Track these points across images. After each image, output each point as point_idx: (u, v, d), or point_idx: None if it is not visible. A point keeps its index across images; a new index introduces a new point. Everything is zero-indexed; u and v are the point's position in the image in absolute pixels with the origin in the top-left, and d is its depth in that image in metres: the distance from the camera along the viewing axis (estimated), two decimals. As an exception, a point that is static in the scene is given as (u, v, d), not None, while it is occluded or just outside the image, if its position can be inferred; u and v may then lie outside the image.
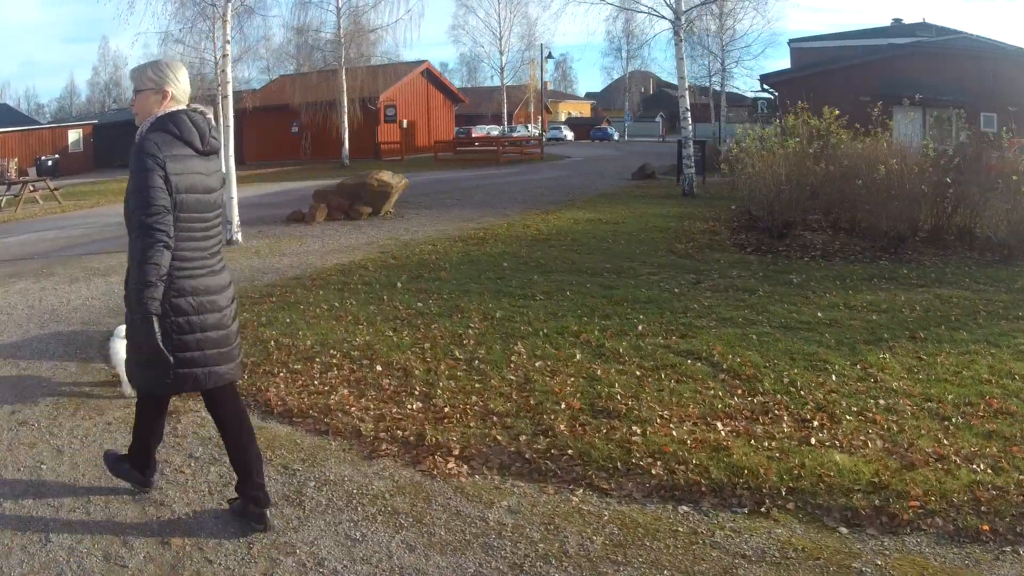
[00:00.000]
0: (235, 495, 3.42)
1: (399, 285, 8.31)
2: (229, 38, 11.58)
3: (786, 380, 5.02)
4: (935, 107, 23.65)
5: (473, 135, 44.10)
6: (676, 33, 18.22)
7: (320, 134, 32.61)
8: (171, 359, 2.95)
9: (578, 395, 4.84)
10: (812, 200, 11.74)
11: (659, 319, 6.66)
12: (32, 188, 21.23)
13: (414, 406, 4.84)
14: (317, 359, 5.75)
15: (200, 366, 3.09)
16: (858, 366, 5.32)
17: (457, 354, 5.86)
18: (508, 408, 4.71)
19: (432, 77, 36.62)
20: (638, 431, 4.26)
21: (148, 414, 3.46)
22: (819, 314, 6.71)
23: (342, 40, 29.37)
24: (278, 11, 66.55)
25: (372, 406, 4.86)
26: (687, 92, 18.12)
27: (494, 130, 51.88)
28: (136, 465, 3.59)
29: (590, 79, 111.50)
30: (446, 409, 4.74)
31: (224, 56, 11.64)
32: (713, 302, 7.28)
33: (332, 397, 4.98)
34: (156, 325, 2.86)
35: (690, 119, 18.20)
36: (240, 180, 25.77)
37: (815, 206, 11.96)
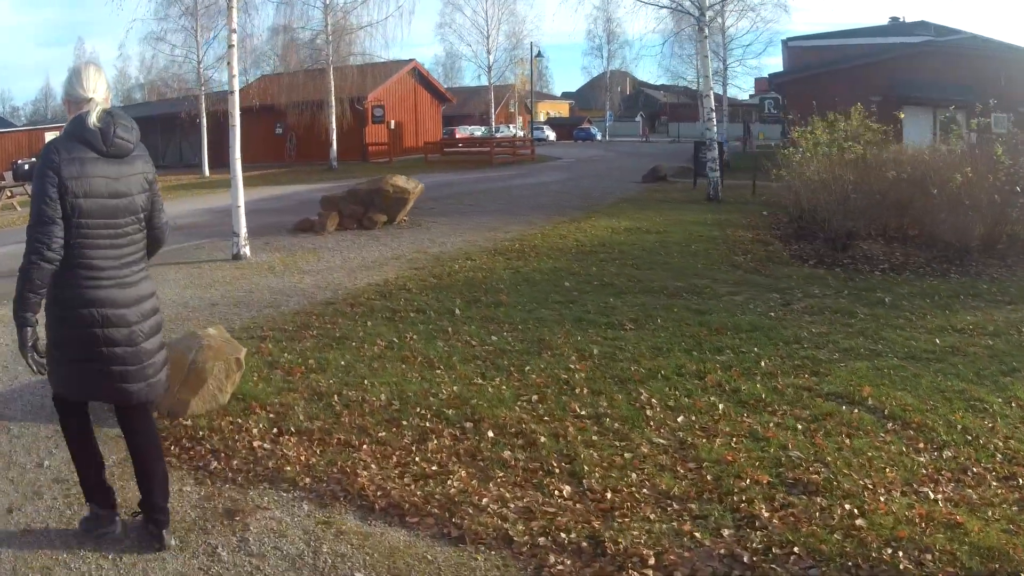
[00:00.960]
0: (137, 509, 3.27)
1: (458, 312, 7.07)
2: (235, 27, 10.23)
3: (959, 427, 4.39)
4: (945, 108, 23.05)
5: (457, 136, 42.82)
6: (700, 29, 17.24)
7: (306, 135, 31.11)
8: (44, 370, 2.90)
9: (756, 463, 3.94)
10: (879, 209, 10.77)
11: (776, 352, 5.86)
12: (9, 194, 19.59)
13: (563, 491, 3.68)
14: (404, 421, 4.51)
15: (105, 379, 2.94)
16: (1012, 404, 4.76)
17: (577, 409, 4.71)
18: (684, 488, 3.70)
19: (420, 76, 35.22)
20: (854, 510, 3.46)
21: (70, 431, 3.18)
22: (936, 340, 6.07)
23: (329, 38, 27.91)
24: (262, 9, 64.12)
25: (508, 494, 3.65)
26: (711, 92, 17.09)
27: (478, 131, 50.66)
28: (90, 498, 3.27)
29: (565, 79, 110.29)
30: (607, 495, 3.62)
31: (230, 47, 10.30)
32: (820, 328, 6.50)
33: (448, 482, 3.75)
34: (28, 335, 2.81)
35: (715, 119, 17.17)
36: (224, 185, 24.31)
37: (880, 215, 10.98)
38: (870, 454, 4.03)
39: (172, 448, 4.20)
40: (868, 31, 32.82)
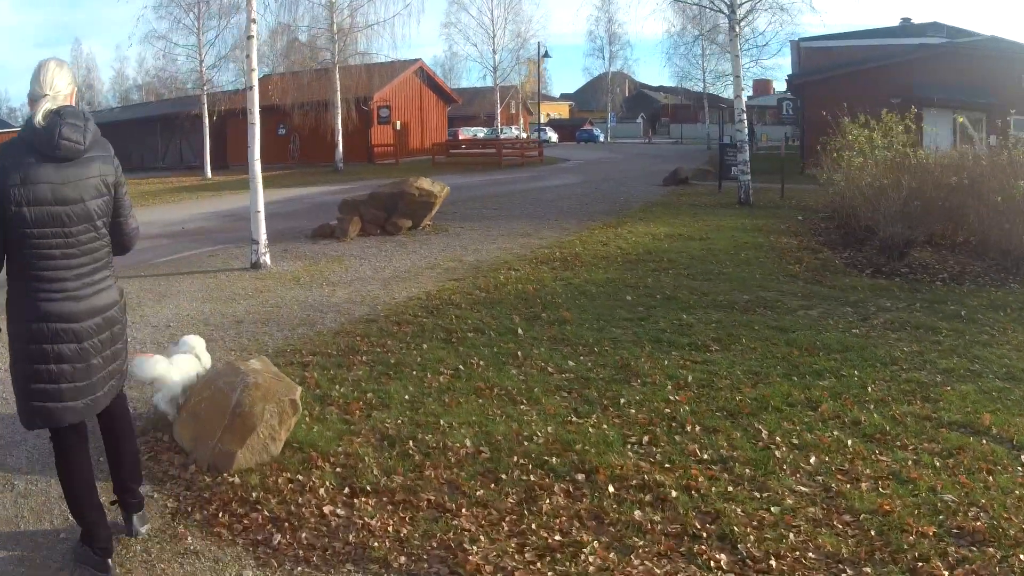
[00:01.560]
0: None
1: (520, 332, 6.26)
2: (255, 16, 9.37)
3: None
4: (964, 110, 22.40)
5: (460, 137, 41.98)
6: (732, 28, 16.47)
7: (310, 137, 30.22)
8: None
9: (914, 512, 3.40)
10: (931, 216, 10.06)
11: (877, 375, 5.25)
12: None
13: (719, 561, 2.99)
14: (502, 475, 3.70)
15: (54, 400, 2.73)
16: None
17: (697, 452, 4.01)
18: (851, 549, 3.12)
19: (425, 76, 34.33)
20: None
21: (58, 459, 2.94)
22: (1032, 358, 5.50)
23: (335, 36, 27.07)
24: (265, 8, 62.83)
25: (657, 568, 2.94)
26: (742, 92, 16.32)
27: (480, 132, 49.86)
28: (84, 539, 2.98)
29: (563, 81, 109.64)
30: (771, 562, 2.97)
31: (249, 38, 9.44)
32: (911, 347, 5.92)
33: (582, 557, 3.00)
34: None
35: (746, 120, 16.40)
36: (228, 187, 23.50)
37: (930, 222, 10.26)
38: (1018, 492, 3.59)
39: (220, 515, 3.38)
40: (880, 32, 32.14)
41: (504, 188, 19.40)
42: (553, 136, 56.75)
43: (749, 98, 63.22)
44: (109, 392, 2.94)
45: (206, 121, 27.28)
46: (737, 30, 16.48)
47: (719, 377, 5.14)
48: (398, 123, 31.87)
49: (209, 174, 27.81)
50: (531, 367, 5.35)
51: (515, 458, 3.85)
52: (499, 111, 39.81)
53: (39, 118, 2.62)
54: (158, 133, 35.52)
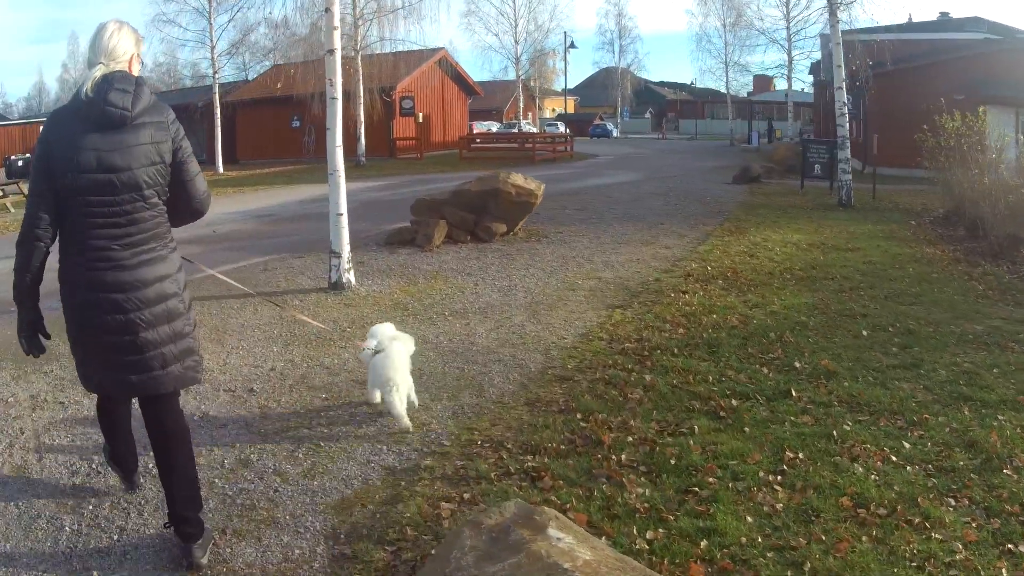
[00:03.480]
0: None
1: (794, 394, 4.05)
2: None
3: None
4: (1028, 107, 20.50)
5: (475, 131, 39.52)
6: (832, 13, 14.20)
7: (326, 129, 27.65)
8: (35, 352, 2.59)
9: None
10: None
11: None
12: (1, 193, 16.21)
13: None
14: None
15: (104, 370, 2.59)
16: None
17: None
18: None
19: (448, 67, 31.76)
20: None
21: (99, 410, 2.98)
22: None
23: (358, 20, 24.58)
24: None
25: None
26: (843, 85, 14.02)
27: (493, 126, 47.53)
28: (113, 459, 3.11)
29: (570, 75, 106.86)
30: None
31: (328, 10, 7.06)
32: None
33: None
34: (22, 318, 2.55)
35: (847, 116, 14.10)
36: (248, 183, 20.96)
37: None
38: None
39: None
40: (919, 27, 30.00)
41: (563, 186, 17.02)
42: (563, 129, 54.35)
43: (749, 94, 61.08)
44: (172, 376, 2.64)
45: (217, 112, 24.69)
46: (838, 17, 14.22)
47: None
48: (420, 115, 29.39)
49: (221, 169, 25.27)
50: (866, 458, 3.31)
51: None
52: (521, 104, 37.39)
53: (88, 86, 2.45)
54: (162, 126, 32.77)
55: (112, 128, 2.44)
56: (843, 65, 14.18)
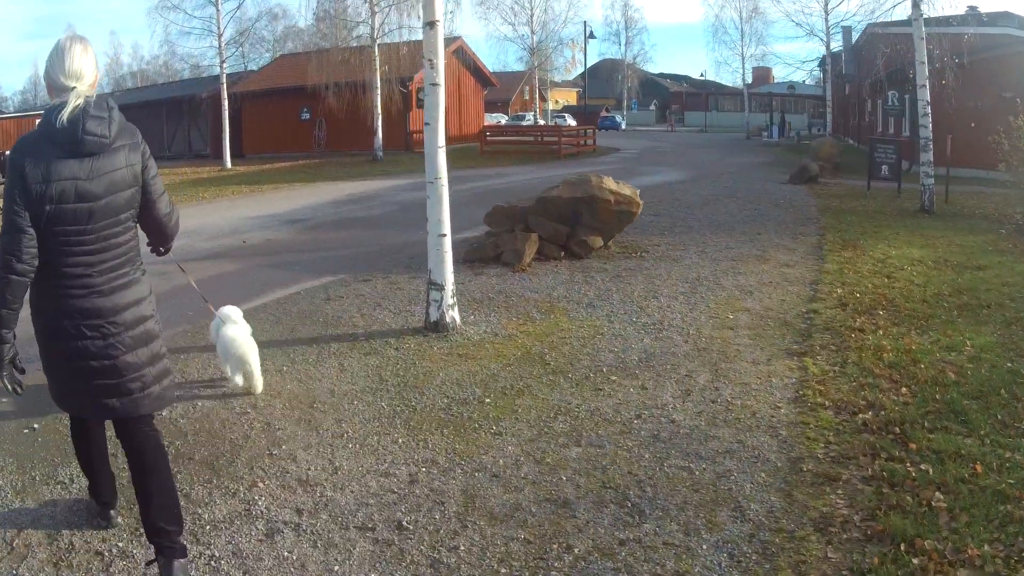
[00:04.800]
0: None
1: None
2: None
3: None
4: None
5: (485, 124, 37.84)
6: (916, 6, 12.60)
7: (338, 122, 25.93)
8: (15, 391, 2.45)
9: None
10: None
11: None
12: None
13: None
14: None
15: (83, 394, 2.51)
16: None
17: None
18: None
19: (464, 57, 29.99)
20: None
21: (74, 437, 2.85)
22: None
23: (375, 7, 22.81)
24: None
25: None
26: (926, 82, 12.41)
27: (502, 119, 45.93)
28: (90, 490, 2.97)
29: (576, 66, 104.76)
30: None
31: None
32: None
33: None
34: (3, 352, 2.37)
35: (929, 113, 12.49)
36: (261, 180, 19.14)
37: None
38: None
39: None
40: (945, 21, 28.35)
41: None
42: (572, 122, 52.71)
43: (748, 85, 59.41)
44: (152, 398, 2.59)
45: (225, 104, 22.88)
46: (922, 9, 12.63)
47: None
48: (436, 107, 27.60)
49: (228, 163, 23.50)
50: None
51: None
52: (538, 96, 35.65)
53: (64, 117, 2.29)
54: (163, 119, 30.86)
55: (91, 155, 2.35)
56: (926, 62, 12.56)
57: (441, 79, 5.32)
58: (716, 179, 16.92)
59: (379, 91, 23.28)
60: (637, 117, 61.21)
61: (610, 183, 8.04)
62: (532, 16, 32.70)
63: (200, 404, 4.21)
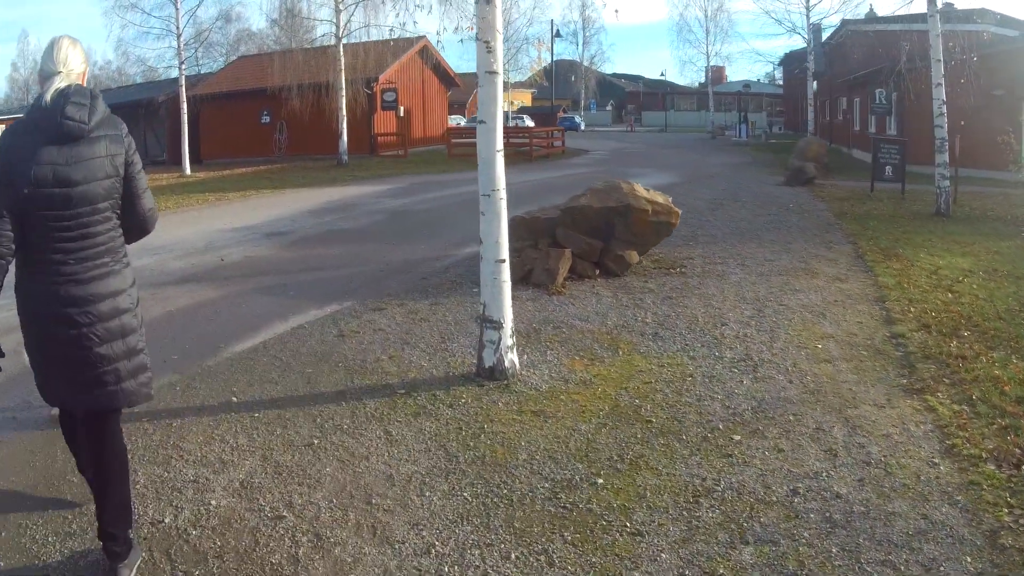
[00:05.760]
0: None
1: None
2: None
3: None
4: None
5: (448, 126, 36.65)
6: (931, 1, 11.97)
7: (300, 125, 24.49)
8: None
9: None
10: None
11: None
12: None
13: None
14: None
15: (59, 383, 2.50)
16: None
17: None
18: None
19: (429, 57, 28.70)
20: None
21: (61, 423, 2.83)
22: None
23: (341, 5, 21.48)
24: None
25: None
26: (942, 81, 11.80)
27: (460, 120, 44.85)
28: (79, 468, 2.92)
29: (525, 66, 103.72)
30: None
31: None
32: None
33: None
34: None
35: (945, 113, 11.88)
36: (224, 187, 17.57)
37: None
38: None
39: None
40: (922, 17, 28.23)
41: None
42: (530, 123, 51.82)
43: (700, 84, 59.28)
44: (126, 392, 2.54)
45: (184, 107, 21.21)
46: (936, 4, 12.02)
47: None
48: (402, 109, 26.38)
49: (188, 170, 21.87)
50: None
51: None
52: (501, 98, 34.50)
53: (47, 97, 2.36)
54: (113, 122, 28.80)
55: (69, 141, 2.36)
56: (942, 59, 11.95)
57: (500, 65, 4.30)
58: (708, 182, 16.18)
59: (344, 92, 21.96)
60: (595, 118, 60.67)
61: (642, 190, 7.10)
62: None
63: (213, 503, 3.10)
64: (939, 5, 11.75)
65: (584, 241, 6.78)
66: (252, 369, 4.70)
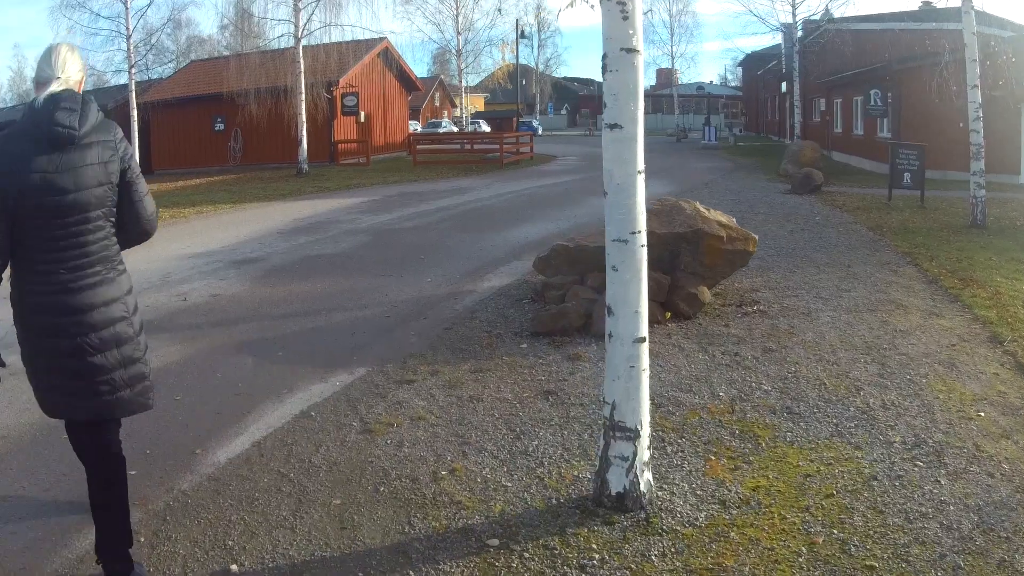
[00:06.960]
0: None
1: None
2: None
3: None
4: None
5: (409, 132, 34.92)
6: None
7: (257, 132, 22.52)
8: None
9: None
10: None
11: None
12: None
13: None
14: None
15: (56, 394, 2.39)
16: None
17: None
18: None
19: (390, 59, 26.80)
20: None
21: (67, 429, 2.57)
22: None
23: (299, 5, 19.65)
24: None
25: None
26: (977, 83, 10.67)
27: (417, 126, 43.20)
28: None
29: (476, 70, 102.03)
30: None
31: None
32: None
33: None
34: None
35: (981, 116, 10.74)
36: (180, 202, 15.38)
37: None
38: None
39: None
40: (902, 17, 27.61)
41: (596, 205, 13.15)
42: (486, 128, 50.36)
43: (651, 87, 58.52)
44: (123, 402, 2.43)
45: (134, 114, 19.07)
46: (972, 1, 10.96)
47: None
48: (362, 114, 24.56)
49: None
50: None
51: None
52: (463, 102, 33.04)
53: (40, 99, 2.28)
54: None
55: (59, 148, 2.26)
56: (977, 59, 10.87)
57: (640, 42, 2.82)
58: (708, 191, 14.99)
59: (303, 97, 20.14)
60: (551, 122, 59.57)
61: (711, 212, 5.74)
62: (458, 16, 30.01)
63: None
64: (974, 3, 10.63)
65: (651, 276, 5.37)
66: (251, 500, 3.15)
